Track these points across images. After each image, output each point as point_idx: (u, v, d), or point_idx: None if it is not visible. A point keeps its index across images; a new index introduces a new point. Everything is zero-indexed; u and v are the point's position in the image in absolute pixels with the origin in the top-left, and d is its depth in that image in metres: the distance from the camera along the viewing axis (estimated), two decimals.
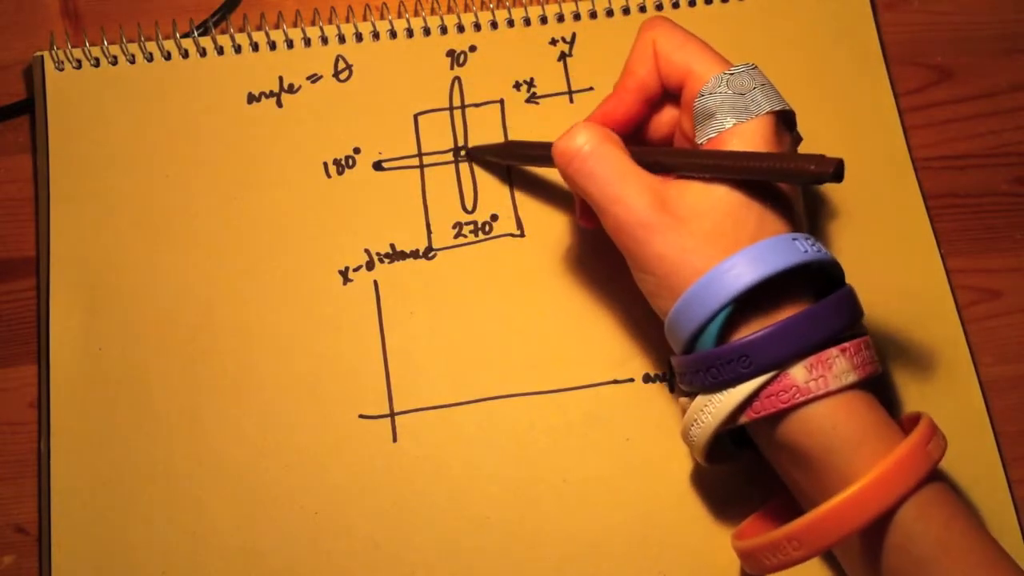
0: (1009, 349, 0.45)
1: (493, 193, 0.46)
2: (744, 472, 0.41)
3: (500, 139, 0.47)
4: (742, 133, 0.35)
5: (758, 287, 0.33)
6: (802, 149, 0.47)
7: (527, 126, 0.47)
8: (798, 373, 0.34)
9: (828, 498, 0.33)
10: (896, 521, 0.33)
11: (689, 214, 0.35)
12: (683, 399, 0.37)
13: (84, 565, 0.40)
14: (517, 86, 0.48)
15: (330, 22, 0.49)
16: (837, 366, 0.34)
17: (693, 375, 0.35)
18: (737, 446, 0.39)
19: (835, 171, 0.31)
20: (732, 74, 0.36)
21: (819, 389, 0.33)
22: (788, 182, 0.35)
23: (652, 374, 0.43)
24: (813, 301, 0.35)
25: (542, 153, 0.40)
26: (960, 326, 0.44)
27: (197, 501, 0.41)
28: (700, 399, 0.35)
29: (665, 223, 0.35)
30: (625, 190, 0.35)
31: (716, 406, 0.35)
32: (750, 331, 0.34)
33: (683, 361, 0.36)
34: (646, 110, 0.40)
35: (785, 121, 0.37)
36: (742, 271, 0.33)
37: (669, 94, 0.39)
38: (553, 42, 0.48)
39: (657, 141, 0.41)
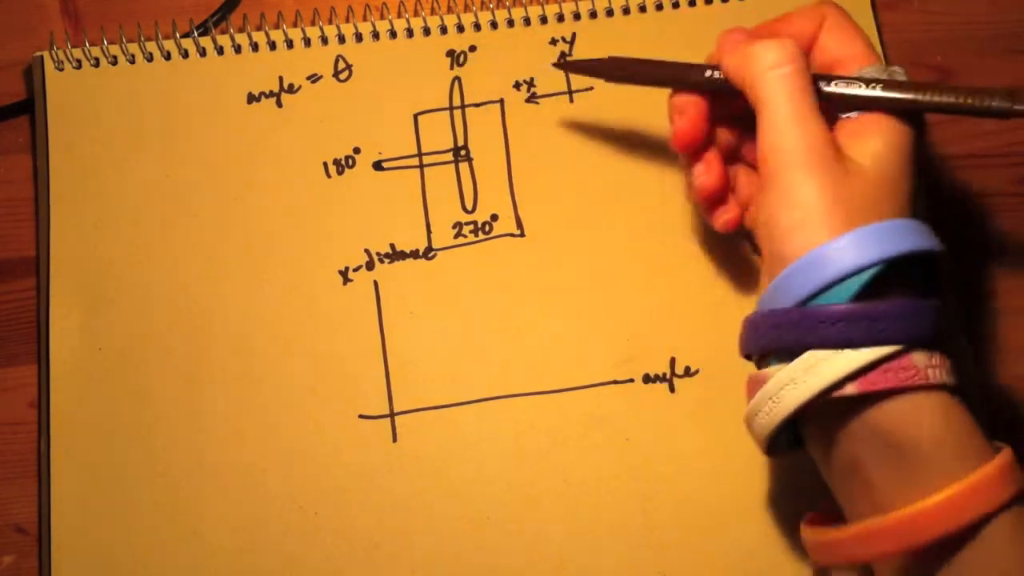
0: (1009, 349, 0.45)
1: (493, 193, 0.46)
2: (745, 473, 0.41)
3: (500, 139, 0.47)
4: (881, 118, 0.36)
5: (904, 258, 0.32)
6: None
7: (527, 126, 0.47)
8: (919, 357, 0.32)
9: (913, 497, 0.31)
10: (986, 532, 0.31)
11: (855, 167, 0.34)
12: (768, 369, 0.34)
13: (84, 565, 0.40)
14: (517, 86, 0.48)
15: (330, 22, 0.49)
16: (947, 364, 0.33)
17: (808, 329, 0.33)
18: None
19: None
20: (890, 68, 0.37)
21: (936, 378, 0.32)
22: (972, 114, 0.36)
23: (652, 374, 0.43)
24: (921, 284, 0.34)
25: (669, 74, 0.40)
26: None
27: (197, 501, 0.41)
28: (808, 356, 0.33)
29: (838, 163, 0.34)
30: (815, 115, 0.35)
31: (829, 365, 0.32)
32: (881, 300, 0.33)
33: (803, 312, 0.33)
34: None
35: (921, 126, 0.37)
36: (911, 237, 0.33)
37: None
38: (553, 42, 0.48)
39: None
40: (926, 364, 0.32)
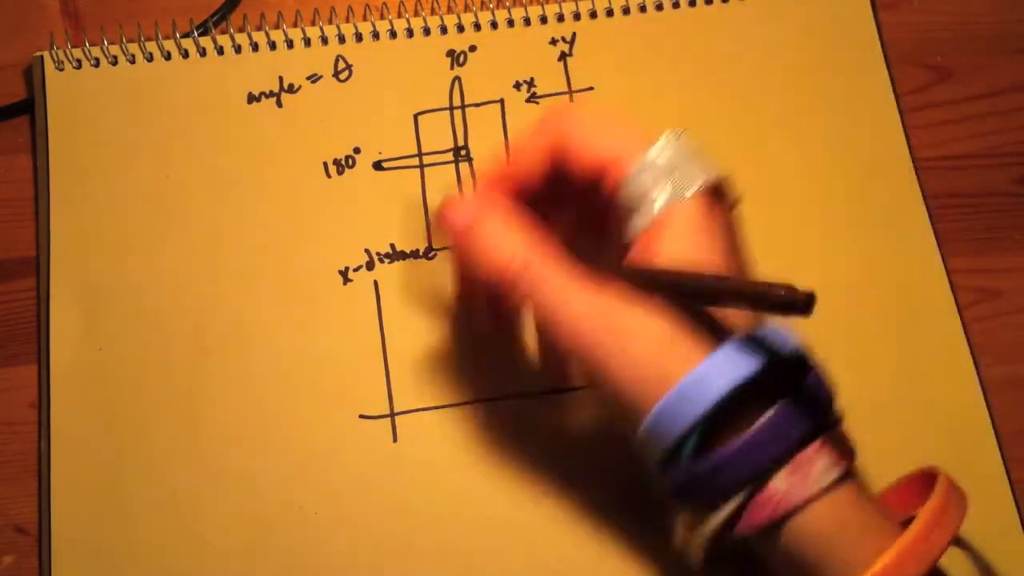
0: (1009, 349, 0.45)
1: None
2: None
3: (500, 139, 0.47)
4: (676, 220, 0.33)
5: (729, 393, 0.31)
6: (804, 149, 0.47)
7: (527, 126, 0.47)
8: (779, 481, 0.31)
9: None
10: None
11: (641, 325, 0.32)
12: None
13: (84, 565, 0.40)
14: (517, 86, 0.48)
15: (330, 22, 0.49)
16: (818, 465, 0.31)
17: (676, 495, 0.34)
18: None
19: (805, 301, 0.28)
20: (657, 150, 0.34)
21: (803, 494, 0.31)
22: (755, 310, 0.32)
23: None
24: (782, 393, 0.32)
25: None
26: (960, 326, 0.44)
27: (197, 501, 0.41)
28: (686, 519, 0.34)
29: (616, 343, 0.32)
30: (572, 309, 0.33)
31: (703, 528, 0.33)
32: (722, 439, 0.32)
33: (662, 482, 0.34)
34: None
35: (718, 190, 0.35)
36: (710, 384, 0.31)
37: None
38: (553, 42, 0.48)
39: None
40: (788, 485, 0.31)
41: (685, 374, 0.31)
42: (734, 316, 0.33)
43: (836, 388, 0.33)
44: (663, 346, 0.32)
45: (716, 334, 0.32)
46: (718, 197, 0.35)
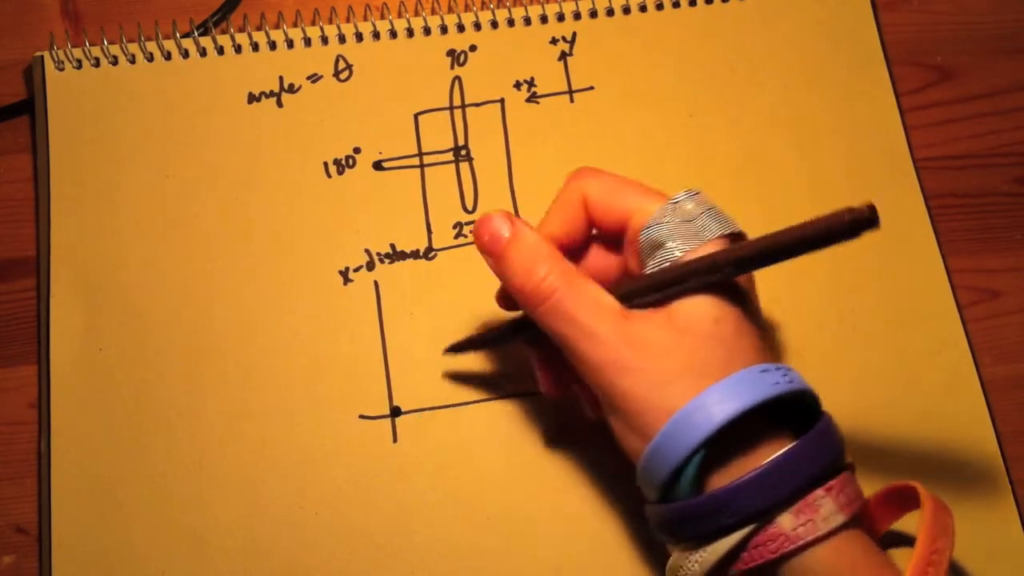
0: (1009, 349, 0.45)
1: (493, 193, 0.46)
2: None
3: (500, 139, 0.47)
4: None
5: (733, 424, 0.31)
6: (804, 149, 0.47)
7: (527, 126, 0.47)
8: (785, 520, 0.31)
9: None
10: None
11: (657, 350, 0.33)
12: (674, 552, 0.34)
13: (84, 565, 0.40)
14: (517, 85, 0.48)
15: (330, 22, 0.48)
16: (824, 508, 0.31)
17: (674, 527, 0.33)
18: None
19: (870, 216, 0.28)
20: (677, 202, 0.34)
21: (808, 535, 0.31)
22: (826, 245, 0.31)
23: None
24: (791, 434, 0.33)
25: (503, 331, 0.39)
26: (960, 326, 0.44)
27: (197, 501, 0.41)
28: (680, 553, 0.33)
29: (633, 361, 0.33)
30: (594, 326, 0.33)
31: (700, 560, 0.32)
32: (729, 474, 0.32)
33: (660, 512, 0.33)
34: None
35: (736, 242, 0.35)
36: (713, 410, 0.31)
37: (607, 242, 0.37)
38: (553, 41, 0.48)
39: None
40: (794, 525, 0.31)
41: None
42: (752, 353, 0.33)
43: (844, 437, 0.33)
44: (676, 373, 0.32)
45: (731, 366, 0.32)
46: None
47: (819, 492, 0.31)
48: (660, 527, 0.34)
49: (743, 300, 0.34)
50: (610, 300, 0.34)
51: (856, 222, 0.28)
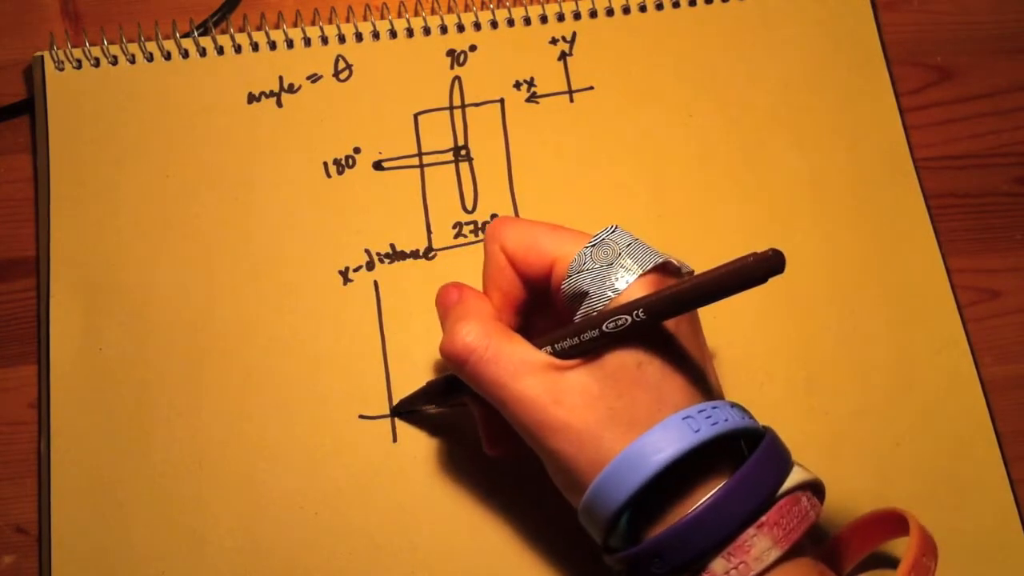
0: (1009, 349, 0.45)
1: (493, 193, 0.46)
2: None
3: (500, 139, 0.47)
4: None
5: (665, 472, 0.30)
6: (804, 149, 0.47)
7: (527, 126, 0.47)
8: (717, 566, 0.30)
9: None
10: None
11: (583, 401, 0.32)
12: None
13: (84, 565, 0.40)
14: (517, 85, 0.48)
15: (330, 22, 0.48)
16: (757, 547, 0.30)
17: (618, 574, 0.33)
18: None
19: (775, 259, 0.28)
20: (593, 245, 0.34)
21: (748, 572, 0.30)
22: (731, 293, 0.30)
23: None
24: (730, 470, 0.31)
25: (428, 390, 0.40)
26: (960, 326, 0.44)
27: (197, 501, 0.41)
28: None
29: (559, 418, 0.32)
30: (516, 385, 0.33)
31: None
32: (664, 521, 0.31)
33: (605, 560, 0.33)
34: (520, 320, 0.37)
35: (666, 271, 0.34)
36: (637, 464, 0.31)
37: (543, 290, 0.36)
38: (553, 41, 0.48)
39: None
40: (726, 569, 0.30)
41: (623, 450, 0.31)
42: (680, 394, 0.32)
43: (790, 458, 0.33)
44: (603, 424, 0.32)
45: (660, 412, 0.32)
46: (669, 275, 0.34)
47: (750, 531, 0.30)
48: (610, 572, 0.34)
49: (667, 340, 0.33)
50: (537, 356, 0.33)
51: (760, 266, 0.28)
